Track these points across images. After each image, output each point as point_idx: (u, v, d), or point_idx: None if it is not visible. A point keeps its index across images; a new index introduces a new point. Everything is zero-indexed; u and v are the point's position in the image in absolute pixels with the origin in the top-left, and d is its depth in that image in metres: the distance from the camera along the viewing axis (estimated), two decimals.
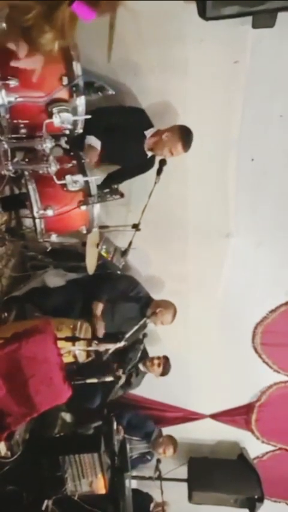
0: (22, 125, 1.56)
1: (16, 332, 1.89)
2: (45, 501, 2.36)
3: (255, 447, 3.87)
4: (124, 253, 2.67)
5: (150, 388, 3.43)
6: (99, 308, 2.68)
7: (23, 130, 1.56)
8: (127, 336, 2.37)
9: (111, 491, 2.54)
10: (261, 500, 3.50)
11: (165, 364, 3.19)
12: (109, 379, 2.64)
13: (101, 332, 2.56)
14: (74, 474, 2.38)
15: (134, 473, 3.36)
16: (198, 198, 2.92)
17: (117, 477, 2.66)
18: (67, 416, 3.12)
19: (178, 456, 3.74)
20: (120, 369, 2.70)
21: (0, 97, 1.40)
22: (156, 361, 3.18)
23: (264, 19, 2.21)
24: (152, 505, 3.49)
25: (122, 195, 2.01)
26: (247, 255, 3.14)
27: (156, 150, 2.47)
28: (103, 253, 2.69)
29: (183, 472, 3.69)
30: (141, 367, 3.20)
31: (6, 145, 1.55)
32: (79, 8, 0.58)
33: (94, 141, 2.24)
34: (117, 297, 2.89)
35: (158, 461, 3.44)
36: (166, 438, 3.56)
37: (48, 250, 2.29)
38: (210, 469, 3.69)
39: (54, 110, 1.50)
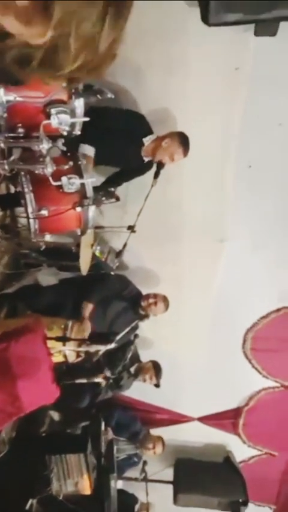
0: (19, 125, 1.55)
1: (6, 331, 1.89)
2: (30, 500, 2.35)
3: (241, 451, 3.89)
4: (118, 254, 2.67)
5: (139, 389, 3.43)
6: (87, 309, 2.67)
7: (20, 130, 1.56)
8: (118, 337, 2.37)
9: (96, 492, 2.54)
10: (245, 504, 3.53)
11: (157, 375, 3.19)
12: (98, 380, 2.64)
13: (86, 334, 2.54)
14: (60, 474, 2.38)
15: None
16: (195, 202, 2.92)
17: (103, 478, 2.67)
18: (55, 415, 3.12)
19: (164, 457, 3.75)
20: (110, 370, 2.69)
21: None
22: (147, 376, 3.18)
23: (266, 27, 2.22)
24: (137, 506, 3.50)
25: (117, 199, 2.00)
26: (241, 260, 3.15)
27: (156, 156, 2.44)
28: (97, 253, 2.69)
29: (169, 473, 3.71)
30: (132, 370, 3.20)
31: (2, 144, 1.54)
32: None
33: (88, 150, 2.22)
34: (109, 297, 2.88)
35: (144, 462, 3.44)
36: (155, 436, 3.54)
37: (42, 249, 2.28)
38: (196, 472, 3.70)
39: (53, 110, 1.50)
